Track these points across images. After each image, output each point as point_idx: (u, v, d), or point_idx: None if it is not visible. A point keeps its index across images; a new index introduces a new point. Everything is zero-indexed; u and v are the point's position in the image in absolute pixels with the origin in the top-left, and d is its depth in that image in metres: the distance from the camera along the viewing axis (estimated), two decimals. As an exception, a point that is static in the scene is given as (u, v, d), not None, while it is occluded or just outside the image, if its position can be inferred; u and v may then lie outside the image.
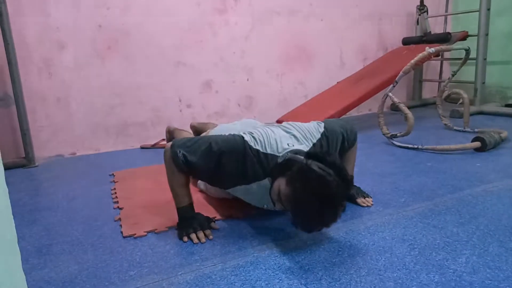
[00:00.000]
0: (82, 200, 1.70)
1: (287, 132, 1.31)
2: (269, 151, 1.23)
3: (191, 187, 1.37)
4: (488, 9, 3.02)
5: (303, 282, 0.99)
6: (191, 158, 1.23)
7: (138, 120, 2.74)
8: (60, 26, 2.42)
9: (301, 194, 1.05)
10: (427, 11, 3.39)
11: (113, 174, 2.06)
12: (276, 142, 1.24)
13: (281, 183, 1.11)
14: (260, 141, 1.25)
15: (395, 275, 1.00)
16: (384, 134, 2.36)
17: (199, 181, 1.67)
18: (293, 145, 1.24)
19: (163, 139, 2.70)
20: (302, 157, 1.11)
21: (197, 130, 2.16)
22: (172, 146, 1.26)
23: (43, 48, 2.42)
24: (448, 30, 3.62)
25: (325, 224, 1.10)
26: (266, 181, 1.23)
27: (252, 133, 1.28)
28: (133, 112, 2.71)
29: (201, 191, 1.67)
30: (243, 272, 1.06)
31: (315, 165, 1.06)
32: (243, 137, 1.26)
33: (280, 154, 1.21)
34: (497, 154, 2.01)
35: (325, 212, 1.06)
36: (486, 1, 3.00)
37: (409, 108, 2.26)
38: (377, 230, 1.25)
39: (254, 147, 1.23)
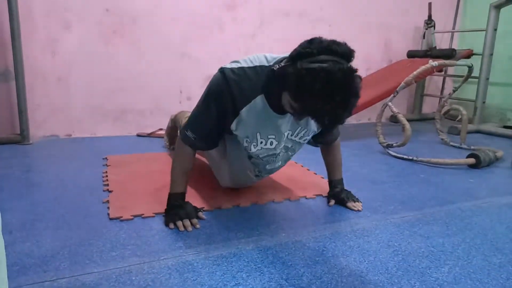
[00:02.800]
0: (72, 181, 1.70)
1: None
2: (256, 63, 1.17)
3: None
4: (495, 30, 3.03)
5: (284, 277, 0.99)
6: (199, 125, 1.24)
7: (137, 108, 2.73)
8: (67, 6, 2.42)
9: (313, 101, 0.94)
10: (434, 26, 3.40)
11: (106, 158, 2.06)
12: (265, 56, 1.19)
13: (288, 99, 1.02)
14: (245, 60, 1.19)
15: (376, 278, 1.00)
16: (380, 143, 2.37)
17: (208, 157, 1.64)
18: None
19: (160, 129, 2.70)
20: (289, 63, 1.00)
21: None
22: (181, 130, 1.30)
23: (49, 26, 2.41)
24: (454, 47, 3.63)
25: (349, 106, 0.97)
26: (257, 101, 1.17)
27: (236, 60, 1.23)
28: (132, 99, 2.70)
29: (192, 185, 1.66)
30: (225, 262, 1.05)
31: (306, 64, 0.94)
32: (222, 68, 1.20)
33: (271, 63, 1.15)
34: (490, 172, 2.02)
35: (344, 96, 0.94)
36: (493, 21, 3.01)
37: (408, 121, 2.26)
38: (363, 234, 1.25)
39: (237, 66, 1.18)
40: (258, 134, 1.26)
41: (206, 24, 2.82)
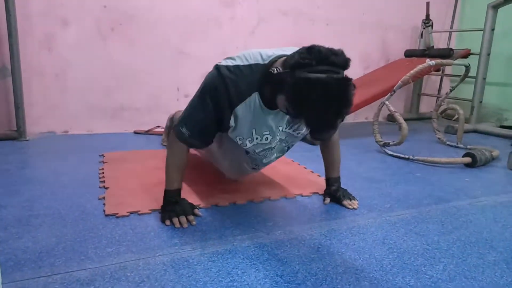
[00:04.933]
0: (68, 177, 1.69)
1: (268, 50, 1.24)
2: (251, 61, 1.17)
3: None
4: (493, 30, 3.04)
5: (279, 274, 0.99)
6: (194, 122, 1.23)
7: (134, 105, 2.73)
8: (64, 3, 2.41)
9: (309, 109, 0.98)
10: (432, 26, 3.41)
11: (103, 155, 2.05)
12: (260, 53, 1.19)
13: (284, 102, 1.04)
14: (240, 57, 1.19)
15: (371, 275, 1.00)
16: (377, 142, 2.37)
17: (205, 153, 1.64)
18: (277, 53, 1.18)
19: (158, 126, 2.70)
20: (288, 70, 1.02)
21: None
22: (175, 127, 1.29)
23: (46, 23, 2.40)
24: (451, 46, 3.64)
25: (342, 114, 1.01)
26: (252, 99, 1.18)
27: (231, 56, 1.22)
28: (130, 96, 2.70)
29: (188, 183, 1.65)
30: (221, 259, 1.05)
31: (304, 74, 0.96)
32: (216, 65, 1.21)
33: (266, 62, 1.15)
34: (486, 171, 2.03)
35: (339, 106, 0.99)
36: (491, 21, 3.02)
37: (405, 120, 2.26)
38: (359, 231, 1.26)
39: (232, 64, 1.18)
40: (253, 130, 1.26)
41: (204, 22, 2.82)
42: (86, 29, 2.50)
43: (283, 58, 1.13)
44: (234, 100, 1.18)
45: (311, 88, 0.96)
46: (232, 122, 1.23)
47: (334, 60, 0.99)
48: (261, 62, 1.17)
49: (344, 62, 1.00)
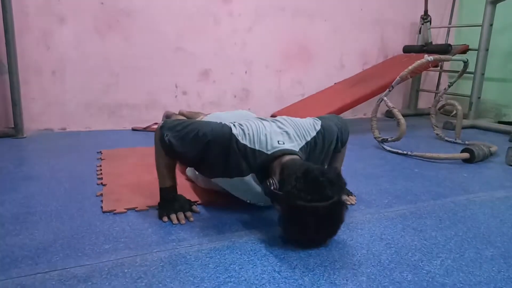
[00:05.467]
0: (66, 174, 1.69)
1: (280, 128, 1.27)
2: (257, 147, 1.20)
3: (178, 173, 1.36)
4: (491, 25, 3.03)
5: (276, 269, 0.99)
6: (177, 145, 1.20)
7: (132, 102, 2.72)
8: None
9: (299, 231, 1.07)
10: (430, 21, 3.40)
11: (100, 152, 2.05)
12: (266, 138, 1.21)
13: (278, 209, 1.11)
14: (249, 135, 1.21)
15: (368, 270, 1.00)
16: (375, 138, 2.37)
17: (188, 169, 1.65)
18: (284, 143, 1.21)
19: (155, 123, 2.69)
20: (283, 194, 1.05)
21: (186, 118, 2.15)
22: (161, 127, 1.24)
23: (43, 20, 2.39)
24: (450, 42, 3.63)
25: (331, 235, 1.12)
26: (249, 178, 1.22)
27: (242, 126, 1.25)
28: (127, 94, 2.69)
29: (187, 179, 1.65)
30: (219, 255, 1.05)
31: (297, 201, 1.00)
32: (231, 129, 1.22)
33: (269, 152, 1.18)
34: (484, 167, 2.03)
35: (328, 230, 1.09)
36: (489, 16, 3.01)
37: (403, 116, 2.26)
38: (356, 227, 1.26)
39: (242, 141, 1.20)
40: (249, 201, 1.33)
41: (201, 18, 2.81)
42: (83, 26, 2.49)
43: (285, 160, 1.15)
44: (233, 171, 1.22)
45: (301, 215, 1.02)
46: (224, 182, 1.28)
47: (328, 192, 1.01)
48: (265, 151, 1.19)
49: (338, 191, 1.04)
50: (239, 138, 1.20)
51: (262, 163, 1.18)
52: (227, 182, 1.27)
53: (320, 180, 1.02)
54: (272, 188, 1.09)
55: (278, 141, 1.21)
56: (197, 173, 1.50)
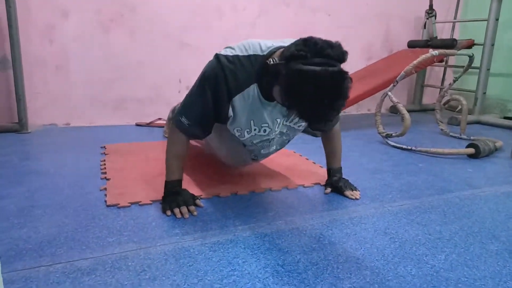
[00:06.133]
0: (70, 168, 1.69)
1: (273, 40, 1.23)
2: (251, 52, 1.17)
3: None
4: (497, 19, 3.00)
5: (280, 263, 0.99)
6: (192, 114, 1.23)
7: (135, 97, 2.72)
8: (65, -6, 2.40)
9: (303, 102, 0.99)
10: (435, 16, 3.37)
11: (104, 146, 2.05)
12: (259, 43, 1.18)
13: (280, 93, 1.06)
14: (239, 47, 1.19)
15: (372, 264, 1.00)
16: (379, 133, 2.36)
17: (205, 144, 1.64)
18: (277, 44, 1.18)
19: (159, 118, 2.69)
20: (283, 62, 1.02)
21: None
22: (175, 115, 1.28)
23: (46, 14, 2.39)
24: (455, 37, 3.60)
25: (336, 107, 1.02)
26: (251, 90, 1.18)
27: (231, 45, 1.22)
28: (131, 88, 2.69)
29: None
30: (222, 248, 1.05)
31: (299, 66, 0.96)
32: (216, 54, 1.21)
33: (265, 53, 1.15)
34: (489, 162, 2.01)
35: (332, 99, 0.99)
36: (495, 10, 2.98)
37: (408, 111, 2.25)
38: (360, 221, 1.25)
39: (232, 54, 1.18)
40: (251, 121, 1.25)
41: (205, 13, 2.79)
42: (87, 20, 2.49)
43: (281, 50, 1.12)
44: (233, 90, 1.18)
45: (304, 80, 0.96)
46: (230, 113, 1.22)
47: (330, 52, 0.98)
48: (260, 53, 1.16)
49: (340, 55, 1.00)
50: (229, 53, 1.18)
51: (261, 66, 1.14)
52: (233, 111, 1.21)
53: (320, 43, 0.99)
54: (272, 62, 1.06)
55: (272, 44, 1.18)
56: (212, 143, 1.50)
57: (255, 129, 1.27)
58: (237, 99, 1.19)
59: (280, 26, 3.05)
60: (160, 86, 2.77)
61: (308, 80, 0.96)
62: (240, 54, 1.17)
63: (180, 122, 1.25)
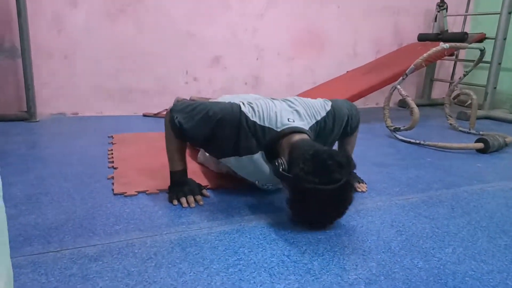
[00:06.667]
0: (77, 157, 1.70)
1: (290, 107, 1.27)
2: (266, 124, 1.20)
3: (188, 158, 1.36)
4: (509, 13, 2.94)
5: (285, 254, 0.99)
6: (186, 126, 1.21)
7: (142, 87, 2.72)
8: (73, -17, 2.40)
9: (307, 212, 1.09)
10: (446, 9, 3.31)
11: (112, 136, 2.06)
12: (276, 116, 1.21)
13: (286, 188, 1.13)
14: (259, 112, 1.22)
15: (379, 257, 0.99)
16: (387, 127, 2.34)
17: (199, 154, 1.66)
18: (294, 121, 1.21)
19: (166, 109, 2.68)
20: (291, 176, 1.05)
21: None
22: (171, 110, 1.25)
23: (55, 4, 2.39)
24: (466, 30, 3.55)
25: (338, 216, 1.13)
26: (258, 156, 1.22)
27: (251, 104, 1.24)
28: (138, 79, 2.69)
29: (200, 163, 1.65)
30: (228, 238, 1.05)
31: (305, 183, 1.01)
32: (240, 107, 1.22)
33: (279, 129, 1.19)
34: (499, 157, 1.99)
35: (337, 210, 1.10)
36: (508, 4, 2.93)
37: (417, 106, 2.22)
38: (367, 214, 1.25)
39: (252, 118, 1.20)
40: (256, 181, 1.31)
41: (212, 3, 2.78)
42: (95, 10, 2.49)
43: (290, 147, 1.13)
44: (241, 149, 1.21)
45: (309, 196, 1.03)
46: (233, 161, 1.26)
47: (336, 175, 1.01)
48: (274, 128, 1.19)
49: (346, 173, 1.03)
50: (249, 115, 1.21)
51: (272, 140, 1.18)
52: (237, 162, 1.26)
53: (328, 163, 1.01)
54: (280, 169, 1.08)
55: (288, 119, 1.21)
56: (207, 154, 1.50)
57: (257, 182, 1.31)
58: (245, 159, 1.23)
59: (288, 18, 3.03)
60: (166, 77, 2.77)
61: (313, 196, 1.03)
62: (258, 122, 1.20)
63: (173, 122, 1.22)
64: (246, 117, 1.20)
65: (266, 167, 1.23)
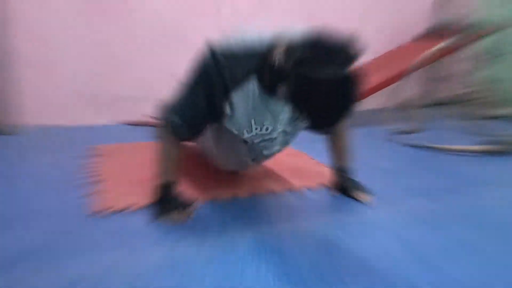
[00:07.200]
0: (57, 171, 1.59)
1: None
2: (248, 44, 1.08)
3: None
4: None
5: (281, 268, 0.92)
6: (183, 113, 1.16)
7: (127, 94, 2.61)
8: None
9: (308, 106, 0.97)
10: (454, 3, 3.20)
11: (94, 148, 1.96)
12: (257, 34, 1.10)
13: (284, 92, 1.00)
14: (234, 38, 1.11)
15: (381, 269, 0.92)
16: (392, 129, 2.25)
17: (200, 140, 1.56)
18: None
19: (150, 117, 2.58)
20: (290, 64, 0.95)
21: None
22: (163, 115, 1.19)
23: (31, 8, 2.29)
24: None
25: (344, 112, 0.99)
26: (250, 86, 1.10)
27: (223, 36, 1.13)
28: (122, 86, 2.59)
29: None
30: (221, 252, 0.99)
31: (305, 70, 0.93)
32: (208, 46, 1.12)
33: (264, 45, 1.07)
34: (511, 160, 1.88)
35: (341, 105, 0.97)
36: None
37: (422, 106, 2.13)
38: (369, 224, 1.18)
39: (227, 46, 1.09)
40: (252, 120, 1.17)
41: (201, 5, 2.67)
42: (74, 12, 2.38)
43: (284, 46, 1.01)
44: (229, 86, 1.10)
45: (312, 88, 0.94)
46: (227, 110, 1.14)
47: (340, 58, 0.93)
48: (258, 45, 1.08)
49: (352, 58, 0.94)
50: (223, 44, 1.10)
51: (262, 63, 1.06)
52: (243, 110, 1.14)
53: (332, 44, 0.94)
54: (276, 63, 0.99)
55: (270, 33, 1.10)
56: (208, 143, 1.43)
57: (256, 128, 1.19)
58: (235, 96, 1.11)
59: (285, 10, 2.87)
60: (151, 83, 2.63)
61: (316, 88, 0.94)
62: (235, 46, 1.09)
63: (169, 122, 1.17)
64: (221, 49, 1.09)
65: (260, 99, 1.12)
